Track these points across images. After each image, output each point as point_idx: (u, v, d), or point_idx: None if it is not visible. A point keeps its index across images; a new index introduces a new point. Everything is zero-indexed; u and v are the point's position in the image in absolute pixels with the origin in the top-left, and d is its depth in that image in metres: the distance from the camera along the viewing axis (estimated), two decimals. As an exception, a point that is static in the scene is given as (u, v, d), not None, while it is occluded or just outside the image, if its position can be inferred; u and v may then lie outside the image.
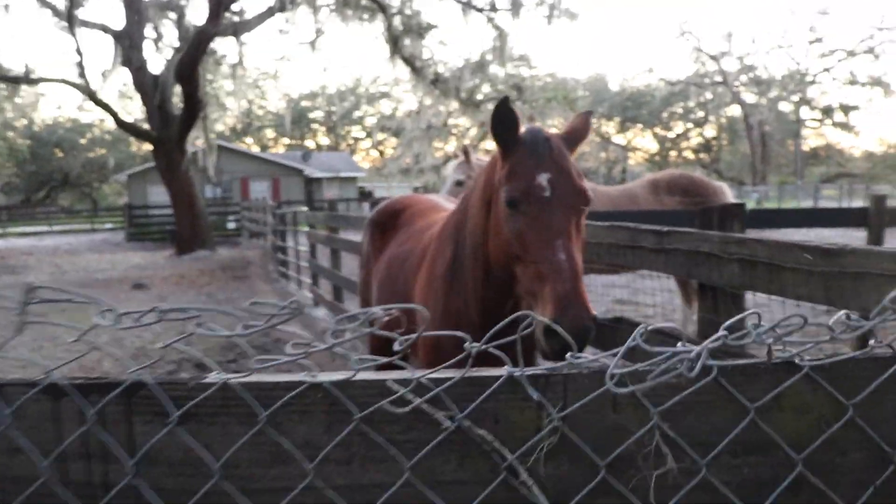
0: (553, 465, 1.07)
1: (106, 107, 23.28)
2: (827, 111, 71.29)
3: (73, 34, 22.14)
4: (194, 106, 21.51)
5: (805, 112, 71.80)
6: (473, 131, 47.55)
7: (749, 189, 54.95)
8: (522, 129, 2.54)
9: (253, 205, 26.23)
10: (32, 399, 1.07)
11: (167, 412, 1.06)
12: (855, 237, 11.88)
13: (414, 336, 1.03)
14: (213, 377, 1.08)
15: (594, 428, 1.07)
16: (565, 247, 2.28)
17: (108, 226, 44.25)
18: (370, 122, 79.57)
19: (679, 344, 1.04)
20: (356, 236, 8.11)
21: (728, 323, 1.01)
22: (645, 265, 3.61)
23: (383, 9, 23.64)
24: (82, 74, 22.73)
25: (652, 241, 3.44)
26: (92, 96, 22.91)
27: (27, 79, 24.09)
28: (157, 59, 50.09)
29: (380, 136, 77.16)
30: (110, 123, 32.39)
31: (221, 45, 28.23)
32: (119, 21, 22.95)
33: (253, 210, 25.36)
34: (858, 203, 39.72)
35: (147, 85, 22.11)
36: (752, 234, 4.34)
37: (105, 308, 0.98)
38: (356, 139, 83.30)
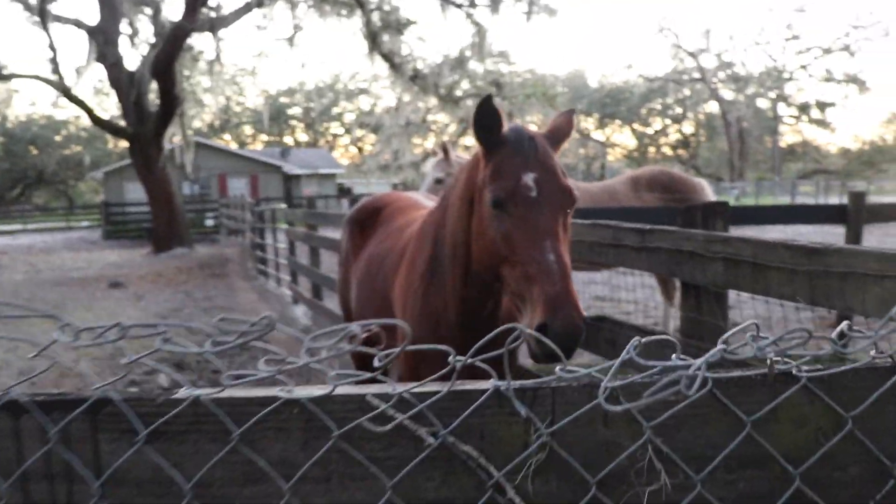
0: (541, 482, 1.03)
1: (81, 103, 23.00)
2: (804, 108, 72.00)
3: (46, 29, 21.81)
4: (171, 102, 21.33)
5: (782, 109, 72.55)
6: (452, 128, 47.50)
7: (727, 185, 55.38)
8: (505, 127, 2.50)
9: (231, 202, 26.02)
10: (-10, 417, 1.02)
11: (135, 430, 1.01)
12: (832, 234, 11.98)
13: (396, 351, 0.98)
14: (184, 392, 1.03)
15: (584, 443, 1.03)
16: (553, 247, 2.24)
17: (85, 224, 43.86)
18: (349, 118, 79.38)
19: (674, 356, 1.00)
20: (335, 233, 8.04)
21: (726, 336, 0.97)
22: (627, 263, 3.58)
23: (361, 4, 23.53)
24: (56, 70, 22.41)
25: (634, 239, 3.41)
26: (66, 93, 22.60)
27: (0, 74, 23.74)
28: (132, 55, 49.68)
29: (359, 132, 76.98)
30: (86, 120, 32.00)
31: (198, 41, 27.95)
32: (93, 16, 22.71)
33: (231, 207, 25.18)
34: (834, 199, 40.27)
35: (123, 81, 21.88)
36: (732, 230, 4.32)
37: (63, 323, 0.92)
38: (335, 136, 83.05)
